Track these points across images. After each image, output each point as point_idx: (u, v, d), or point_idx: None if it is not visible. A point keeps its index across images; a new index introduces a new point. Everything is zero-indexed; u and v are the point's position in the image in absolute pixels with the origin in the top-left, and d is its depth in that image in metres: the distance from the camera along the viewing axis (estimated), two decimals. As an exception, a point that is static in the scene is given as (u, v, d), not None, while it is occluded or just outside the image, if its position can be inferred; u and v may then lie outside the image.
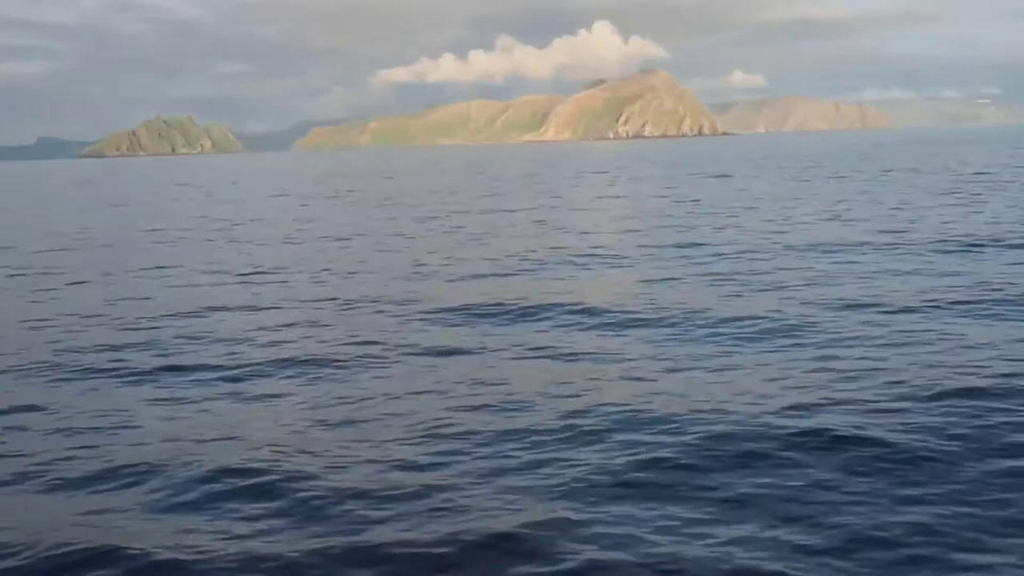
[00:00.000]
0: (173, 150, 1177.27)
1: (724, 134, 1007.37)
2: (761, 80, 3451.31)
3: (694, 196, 56.66)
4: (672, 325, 18.37)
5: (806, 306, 19.73)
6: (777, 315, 18.78)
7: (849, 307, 19.40)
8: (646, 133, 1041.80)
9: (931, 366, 14.64)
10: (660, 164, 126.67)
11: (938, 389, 13.36)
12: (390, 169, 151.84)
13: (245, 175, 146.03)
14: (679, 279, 24.11)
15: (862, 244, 29.46)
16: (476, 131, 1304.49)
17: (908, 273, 23.63)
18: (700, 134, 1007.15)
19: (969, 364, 14.62)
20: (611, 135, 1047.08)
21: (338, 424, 13.00)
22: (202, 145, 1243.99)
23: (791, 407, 12.78)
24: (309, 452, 11.85)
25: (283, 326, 19.75)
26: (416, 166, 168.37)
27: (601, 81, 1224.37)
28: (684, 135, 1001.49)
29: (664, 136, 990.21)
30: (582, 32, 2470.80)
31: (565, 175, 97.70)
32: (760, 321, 18.29)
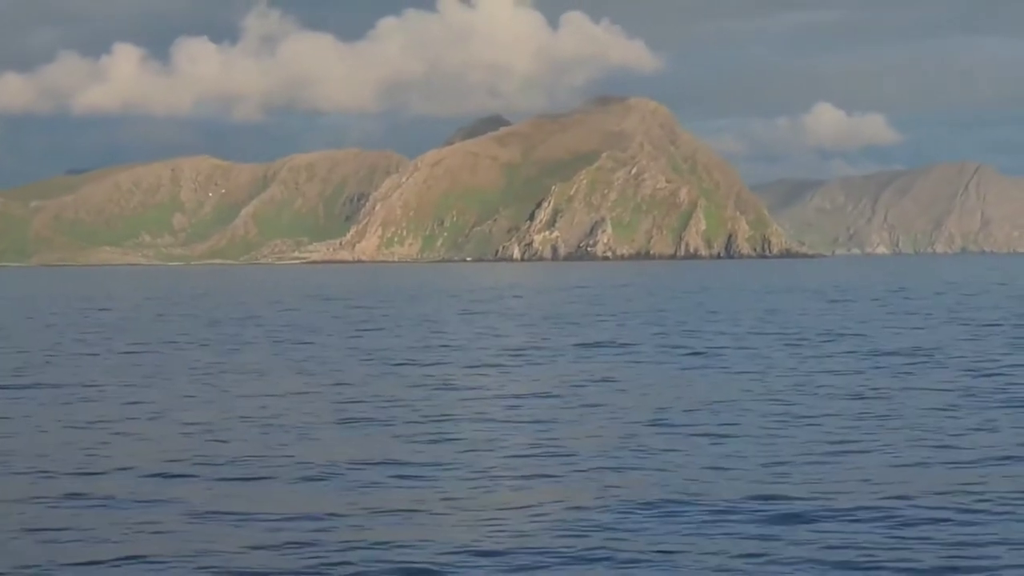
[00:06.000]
0: None
1: (790, 254, 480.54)
2: (883, 125, 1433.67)
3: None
4: None
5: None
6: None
7: None
8: (599, 248, 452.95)
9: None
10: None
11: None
12: None
13: None
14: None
15: None
16: (194, 233, 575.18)
17: None
18: (730, 253, 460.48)
19: None
20: (515, 252, 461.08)
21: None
22: None
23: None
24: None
25: None
26: None
27: (499, 121, 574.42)
28: (694, 254, 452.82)
29: (644, 256, 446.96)
30: (445, 3, 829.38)
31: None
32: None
